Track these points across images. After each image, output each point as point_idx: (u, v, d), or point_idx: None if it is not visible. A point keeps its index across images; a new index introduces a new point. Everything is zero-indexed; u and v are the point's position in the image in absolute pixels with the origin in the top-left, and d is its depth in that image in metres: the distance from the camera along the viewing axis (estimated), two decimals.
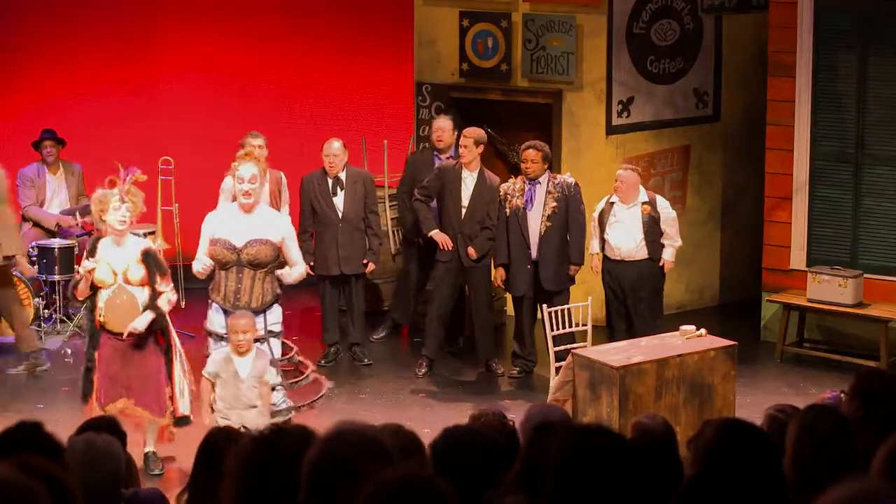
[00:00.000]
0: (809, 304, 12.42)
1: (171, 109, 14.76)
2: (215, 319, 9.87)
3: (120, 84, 14.79)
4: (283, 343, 10.53)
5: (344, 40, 14.87)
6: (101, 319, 9.49)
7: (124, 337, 9.45)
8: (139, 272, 9.45)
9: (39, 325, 12.77)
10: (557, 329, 11.20)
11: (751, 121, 13.69)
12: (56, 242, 12.97)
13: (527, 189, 11.74)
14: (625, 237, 11.61)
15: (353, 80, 14.95)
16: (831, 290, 12.23)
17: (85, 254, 9.68)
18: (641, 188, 11.72)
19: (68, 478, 3.75)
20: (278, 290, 9.96)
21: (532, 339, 11.99)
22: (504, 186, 11.89)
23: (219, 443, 5.47)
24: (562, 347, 11.07)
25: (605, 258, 11.76)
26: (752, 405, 10.76)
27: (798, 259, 12.78)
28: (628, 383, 9.59)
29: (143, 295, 9.49)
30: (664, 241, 11.66)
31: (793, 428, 4.94)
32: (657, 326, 11.43)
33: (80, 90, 14.71)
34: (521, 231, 11.74)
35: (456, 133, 12.53)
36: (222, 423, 9.06)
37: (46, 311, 12.88)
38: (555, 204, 11.68)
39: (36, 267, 12.89)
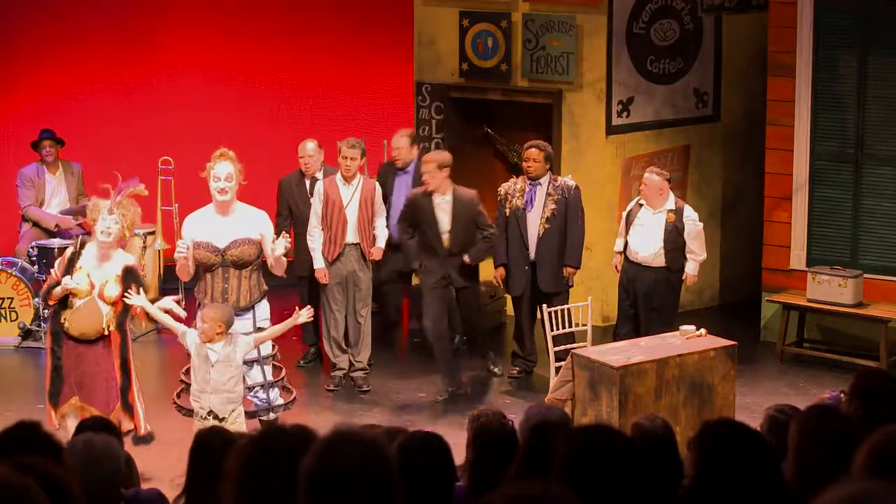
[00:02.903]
0: (809, 304, 12.42)
1: (171, 109, 14.76)
2: None
3: (120, 84, 14.79)
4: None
5: (344, 40, 14.86)
6: (64, 322, 9.50)
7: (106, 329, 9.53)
8: (115, 291, 9.43)
9: (39, 325, 12.77)
10: (557, 329, 11.19)
11: (751, 121, 13.69)
12: (56, 242, 12.95)
13: (527, 189, 11.70)
14: (644, 242, 11.47)
15: (353, 80, 14.94)
16: (831, 290, 12.22)
17: (67, 253, 9.64)
18: (671, 195, 11.54)
19: (69, 477, 3.74)
20: (265, 287, 10.01)
21: (532, 340, 11.98)
22: (505, 186, 11.85)
23: (210, 443, 5.48)
24: (562, 347, 11.06)
25: (626, 259, 11.66)
26: (752, 405, 10.77)
27: (798, 259, 12.78)
28: (628, 383, 9.58)
29: (109, 313, 9.49)
30: (687, 253, 11.49)
31: (796, 429, 4.93)
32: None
33: (79, 90, 14.71)
34: (519, 232, 11.71)
35: (415, 149, 12.56)
36: (195, 404, 9.28)
37: (46, 311, 12.87)
38: (554, 206, 11.63)
39: (35, 267, 12.91)
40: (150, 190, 13.37)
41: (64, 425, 9.49)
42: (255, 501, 3.57)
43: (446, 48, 13.82)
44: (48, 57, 14.54)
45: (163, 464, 9.85)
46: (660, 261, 11.46)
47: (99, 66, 14.67)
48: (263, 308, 9.98)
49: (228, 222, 9.85)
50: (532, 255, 11.72)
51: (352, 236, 11.57)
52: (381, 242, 11.71)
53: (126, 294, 9.42)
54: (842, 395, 6.53)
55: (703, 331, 10.26)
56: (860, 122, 12.45)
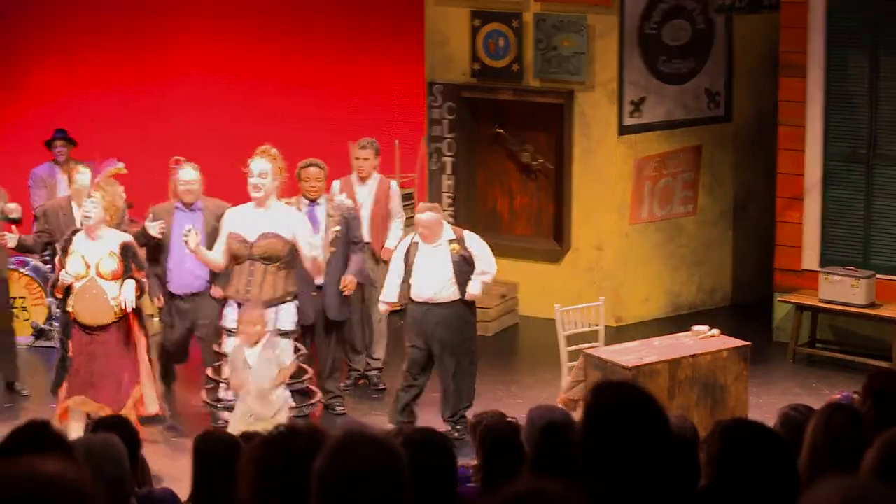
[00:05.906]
0: (821, 305, 12.40)
1: (182, 108, 14.78)
2: (228, 315, 10.04)
3: (131, 83, 14.82)
4: (294, 345, 10.59)
5: (355, 40, 14.87)
6: (72, 310, 9.56)
7: (126, 308, 9.44)
8: (111, 265, 9.47)
9: (51, 325, 12.79)
10: (570, 329, 11.15)
11: (762, 121, 13.67)
12: None
13: (306, 211, 10.73)
14: (430, 278, 10.49)
15: (364, 80, 14.94)
16: (843, 290, 12.20)
17: (60, 246, 9.71)
18: (446, 225, 10.65)
19: (88, 477, 3.73)
20: (292, 288, 10.03)
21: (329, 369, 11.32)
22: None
23: (210, 448, 5.51)
24: (575, 347, 11.03)
25: (411, 301, 10.64)
26: (765, 405, 10.75)
27: (810, 259, 12.76)
28: (641, 383, 9.57)
29: (113, 290, 9.48)
30: (477, 275, 10.50)
31: (811, 426, 4.95)
32: (473, 373, 10.74)
33: (91, 89, 14.75)
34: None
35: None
36: (239, 405, 9.40)
37: (59, 310, 12.88)
38: (338, 227, 10.82)
39: (48, 266, 12.91)
40: (161, 188, 13.42)
41: (65, 423, 9.42)
42: (270, 502, 3.58)
43: (458, 48, 13.81)
44: (59, 56, 14.58)
45: (176, 464, 9.86)
46: (450, 294, 10.50)
47: (110, 66, 14.70)
48: (288, 311, 10.02)
49: (263, 216, 9.99)
50: (319, 279, 10.78)
51: (366, 235, 11.57)
52: (391, 244, 11.66)
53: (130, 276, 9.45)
54: (854, 395, 6.53)
55: (715, 331, 10.26)
56: (872, 122, 12.43)
